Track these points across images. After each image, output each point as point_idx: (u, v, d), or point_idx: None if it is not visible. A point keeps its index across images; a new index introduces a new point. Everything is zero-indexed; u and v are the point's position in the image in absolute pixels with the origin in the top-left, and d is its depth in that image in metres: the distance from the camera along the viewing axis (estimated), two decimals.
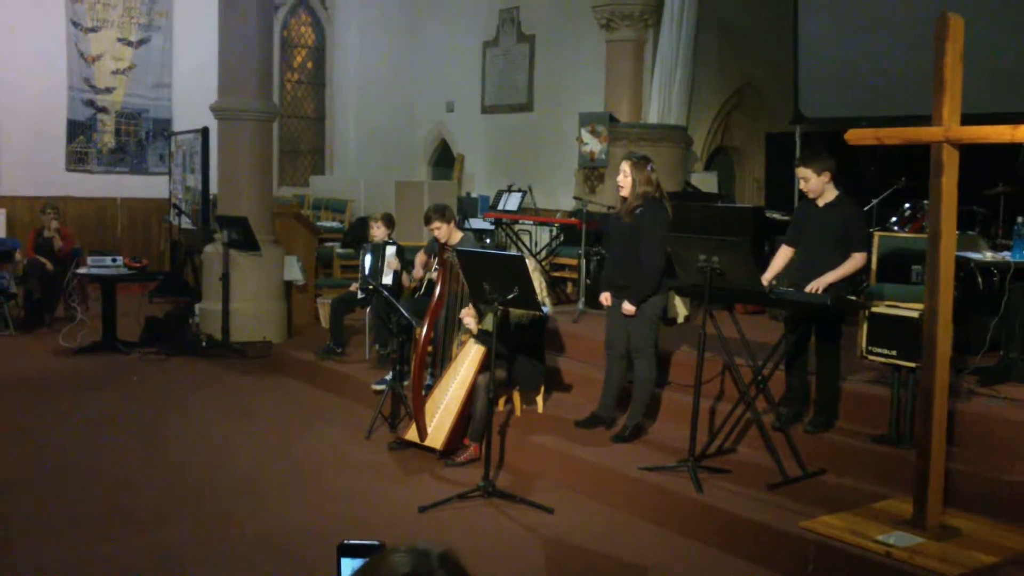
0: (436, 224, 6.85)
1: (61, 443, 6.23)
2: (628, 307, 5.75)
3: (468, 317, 6.32)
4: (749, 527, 4.65)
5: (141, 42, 13.95)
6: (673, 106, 10.68)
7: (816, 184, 5.47)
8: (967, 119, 4.26)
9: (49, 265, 10.21)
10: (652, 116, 10.77)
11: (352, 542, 1.54)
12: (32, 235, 10.65)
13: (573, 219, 9.69)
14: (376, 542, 1.52)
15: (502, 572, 4.38)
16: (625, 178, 5.79)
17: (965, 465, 4.86)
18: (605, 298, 6.02)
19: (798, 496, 4.91)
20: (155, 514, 5.01)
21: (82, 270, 9.52)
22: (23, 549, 4.51)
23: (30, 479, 5.54)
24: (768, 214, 8.78)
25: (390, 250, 7.66)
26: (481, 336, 6.26)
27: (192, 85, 13.15)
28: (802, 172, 5.49)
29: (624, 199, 5.85)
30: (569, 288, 10.04)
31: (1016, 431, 5.05)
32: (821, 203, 5.53)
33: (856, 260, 5.38)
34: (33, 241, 10.52)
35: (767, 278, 5.48)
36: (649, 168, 5.80)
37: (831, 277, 5.32)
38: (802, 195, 5.78)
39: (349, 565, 1.52)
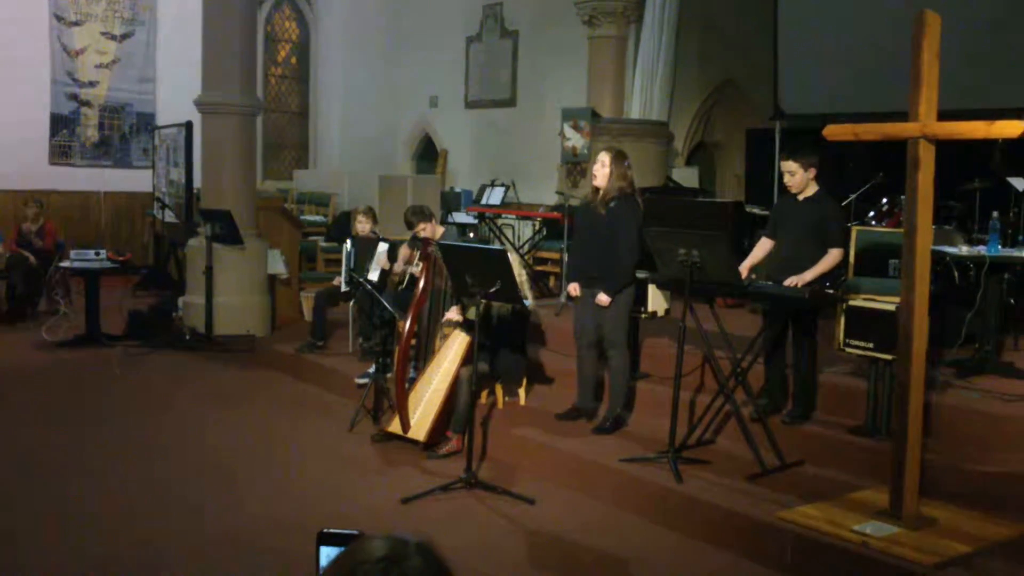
0: (421, 226, 6.90)
1: (43, 437, 6.21)
2: (604, 298, 5.80)
3: (453, 317, 6.36)
4: (728, 517, 4.70)
5: (125, 36, 13.88)
6: (655, 102, 10.74)
7: (801, 179, 5.52)
8: (943, 115, 4.31)
9: (32, 259, 10.17)
10: (634, 112, 10.83)
11: (332, 531, 1.56)
12: (15, 229, 10.61)
13: (555, 213, 9.75)
14: (356, 532, 1.54)
15: (484, 563, 4.42)
16: (603, 168, 5.83)
17: (941, 456, 4.93)
18: (574, 288, 6.06)
19: (776, 487, 4.97)
20: (137, 506, 5.02)
21: (65, 264, 9.48)
22: (1, 543, 4.52)
23: (12, 474, 5.54)
24: (748, 209, 8.85)
25: (382, 246, 7.67)
26: (465, 326, 6.29)
27: (176, 79, 13.09)
28: (789, 166, 5.52)
29: (597, 189, 5.89)
30: (551, 282, 10.09)
31: (991, 423, 5.12)
32: (801, 198, 5.58)
33: (832, 256, 5.43)
34: (16, 235, 10.47)
35: (745, 267, 5.53)
36: (626, 164, 5.85)
37: (810, 275, 5.36)
38: (782, 189, 5.83)
39: (328, 554, 1.53)
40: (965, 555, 4.12)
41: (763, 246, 5.81)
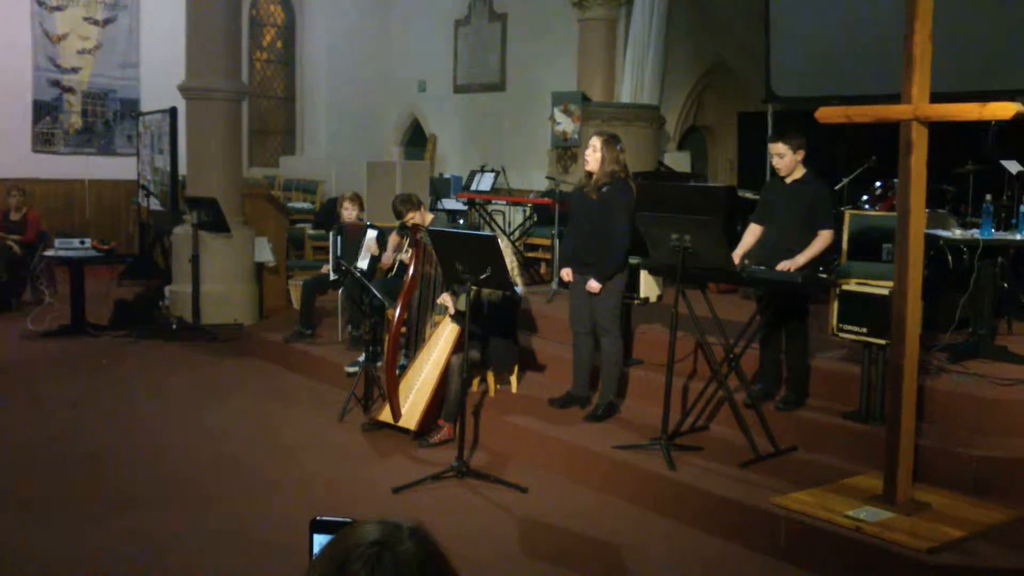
0: (410, 215, 6.83)
1: (29, 429, 6.16)
2: (594, 284, 5.75)
3: (447, 301, 6.31)
4: (721, 504, 4.68)
5: (108, 21, 13.72)
6: (646, 85, 10.67)
7: (790, 161, 5.49)
8: (936, 98, 4.27)
9: (16, 248, 10.07)
10: (625, 95, 10.76)
11: (325, 519, 1.55)
12: None
13: (546, 199, 9.69)
14: (348, 519, 1.52)
15: (476, 552, 4.38)
16: (594, 153, 5.77)
17: (934, 441, 4.92)
18: (567, 274, 6.02)
19: (770, 473, 4.95)
20: (126, 498, 4.98)
21: (49, 253, 9.38)
22: None
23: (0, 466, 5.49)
24: (740, 193, 8.81)
25: (371, 234, 7.59)
26: (456, 316, 6.24)
27: (160, 64, 12.93)
28: (778, 148, 5.49)
29: (590, 174, 5.83)
30: (543, 268, 10.04)
31: (985, 407, 5.12)
32: (789, 181, 5.56)
33: (823, 238, 5.41)
34: (0, 223, 10.36)
35: (737, 255, 5.50)
36: (619, 148, 5.78)
37: (803, 258, 5.34)
38: (772, 172, 5.79)
39: (321, 542, 1.52)
40: (958, 539, 4.12)
41: (753, 232, 5.77)
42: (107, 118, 13.85)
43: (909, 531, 4.14)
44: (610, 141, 5.78)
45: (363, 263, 7.43)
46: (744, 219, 7.62)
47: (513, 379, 6.53)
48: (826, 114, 4.63)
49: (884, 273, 5.38)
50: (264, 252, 9.40)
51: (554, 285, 8.16)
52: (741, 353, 5.35)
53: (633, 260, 5.93)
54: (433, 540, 1.33)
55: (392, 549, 1.28)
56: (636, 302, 6.28)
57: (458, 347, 5.99)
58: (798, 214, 5.47)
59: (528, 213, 10.93)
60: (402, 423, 5.98)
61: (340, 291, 7.91)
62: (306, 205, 13.11)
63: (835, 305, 5.36)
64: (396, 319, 6.02)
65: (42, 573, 4.16)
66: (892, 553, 4.03)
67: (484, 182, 10.77)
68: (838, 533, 4.22)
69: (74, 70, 13.48)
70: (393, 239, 7.41)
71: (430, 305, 6.55)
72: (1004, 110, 4.08)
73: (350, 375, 7.00)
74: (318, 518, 1.54)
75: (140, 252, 11.95)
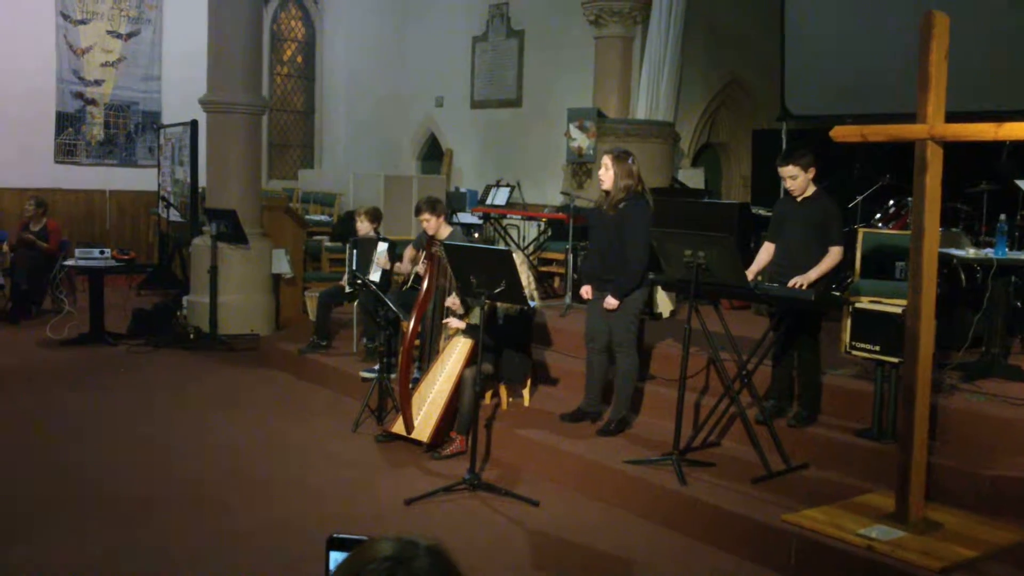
0: (425, 216, 6.85)
1: (47, 435, 6.21)
2: (611, 302, 5.78)
3: (453, 319, 6.35)
4: (732, 520, 4.68)
5: (131, 35, 13.91)
6: (661, 102, 10.71)
7: (803, 181, 5.51)
8: (951, 117, 4.29)
9: (41, 245, 10.16)
10: (640, 112, 10.80)
11: (342, 536, 1.54)
12: (19, 227, 10.62)
13: (561, 214, 9.72)
14: (364, 537, 1.54)
15: (487, 564, 4.40)
16: (606, 171, 5.81)
17: (947, 460, 4.90)
18: (586, 291, 6.05)
19: (781, 489, 4.95)
20: (141, 507, 5.01)
21: (70, 262, 9.48)
22: (8, 542, 4.51)
23: (16, 471, 5.54)
24: (754, 210, 8.83)
25: (381, 247, 7.63)
26: (468, 329, 6.28)
27: (181, 78, 13.12)
28: (790, 170, 5.50)
29: (606, 193, 5.87)
30: (556, 283, 10.07)
31: (998, 426, 5.10)
32: (800, 198, 5.58)
33: (834, 254, 5.43)
34: (20, 231, 10.48)
35: (752, 272, 5.52)
36: (630, 162, 5.80)
37: (815, 274, 5.36)
38: (784, 190, 5.82)
39: (337, 559, 1.52)
40: (971, 560, 4.10)
41: (767, 250, 5.80)
42: (129, 130, 14.02)
43: (921, 550, 4.13)
44: (620, 157, 5.81)
45: (374, 276, 7.46)
46: (758, 236, 7.66)
47: (526, 392, 6.55)
48: (841, 133, 4.65)
49: (897, 291, 5.39)
50: (281, 264, 9.47)
51: (567, 299, 8.19)
52: (754, 369, 5.36)
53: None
54: (449, 557, 1.34)
55: (407, 565, 1.30)
56: (649, 317, 6.29)
57: (471, 360, 6.02)
58: (810, 231, 5.49)
59: (542, 228, 10.97)
60: (415, 435, 6.01)
61: (355, 303, 7.96)
62: (324, 218, 13.19)
63: (848, 323, 5.36)
64: (410, 331, 6.06)
65: None
66: (903, 572, 4.02)
67: (499, 196, 10.82)
68: (849, 551, 4.21)
69: (97, 83, 13.66)
70: (409, 252, 7.45)
71: (444, 317, 6.58)
72: (1020, 130, 4.09)
73: (365, 380, 7.04)
74: (334, 535, 1.54)
75: (159, 262, 12.07)
